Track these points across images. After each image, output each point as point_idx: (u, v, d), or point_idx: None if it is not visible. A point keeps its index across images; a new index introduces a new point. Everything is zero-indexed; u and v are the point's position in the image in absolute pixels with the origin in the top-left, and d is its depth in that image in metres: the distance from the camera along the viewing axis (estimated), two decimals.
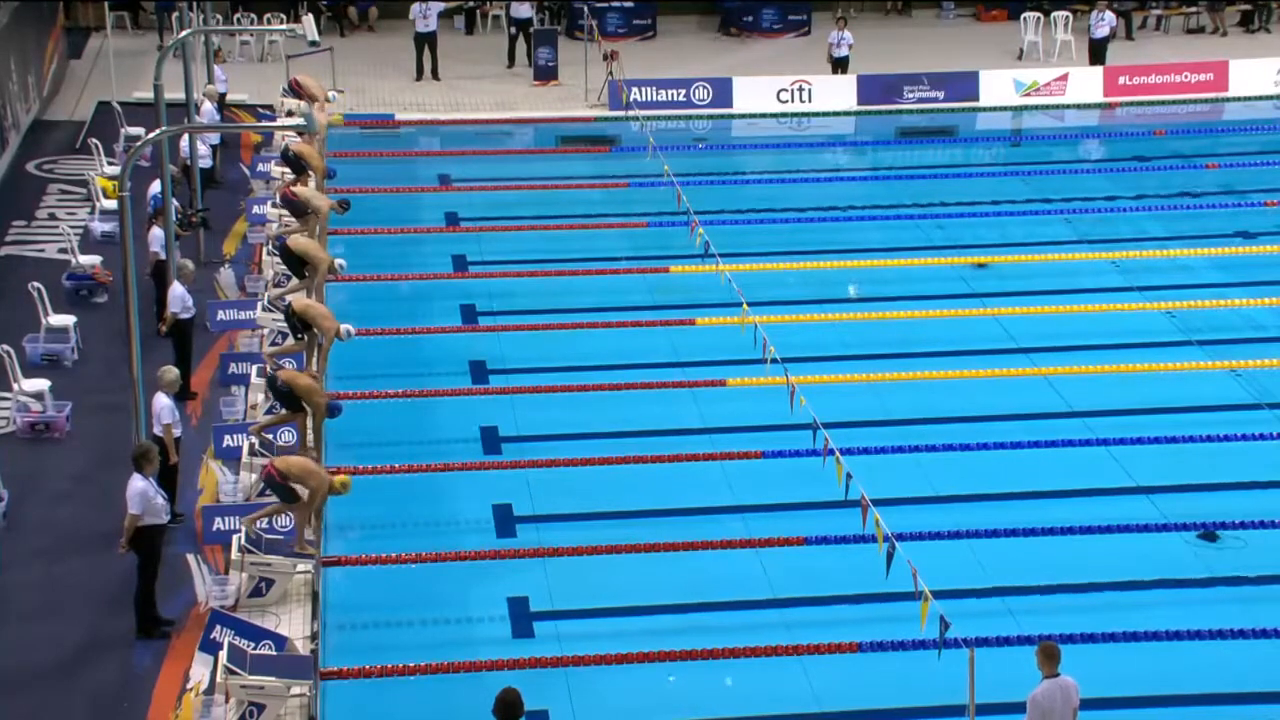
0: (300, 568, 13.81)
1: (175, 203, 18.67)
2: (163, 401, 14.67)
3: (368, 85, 30.28)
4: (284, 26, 29.61)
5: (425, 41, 30.92)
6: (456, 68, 31.41)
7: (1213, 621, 13.35)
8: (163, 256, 17.98)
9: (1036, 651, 10.81)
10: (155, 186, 19.85)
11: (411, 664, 12.85)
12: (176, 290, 17.09)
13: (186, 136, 21.30)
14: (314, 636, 13.09)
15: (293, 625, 13.29)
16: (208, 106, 23.48)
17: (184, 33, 23.28)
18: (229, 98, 26.95)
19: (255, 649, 12.34)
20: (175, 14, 31.15)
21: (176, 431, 14.76)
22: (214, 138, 23.21)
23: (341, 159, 25.97)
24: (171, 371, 15.14)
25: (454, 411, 17.60)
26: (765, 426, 16.66)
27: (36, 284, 18.56)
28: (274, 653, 12.43)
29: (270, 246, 20.46)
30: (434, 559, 14.54)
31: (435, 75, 31.00)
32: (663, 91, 29.58)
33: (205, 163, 22.40)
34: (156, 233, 18.53)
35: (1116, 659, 12.87)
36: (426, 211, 24.16)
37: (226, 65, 28.18)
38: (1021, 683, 10.99)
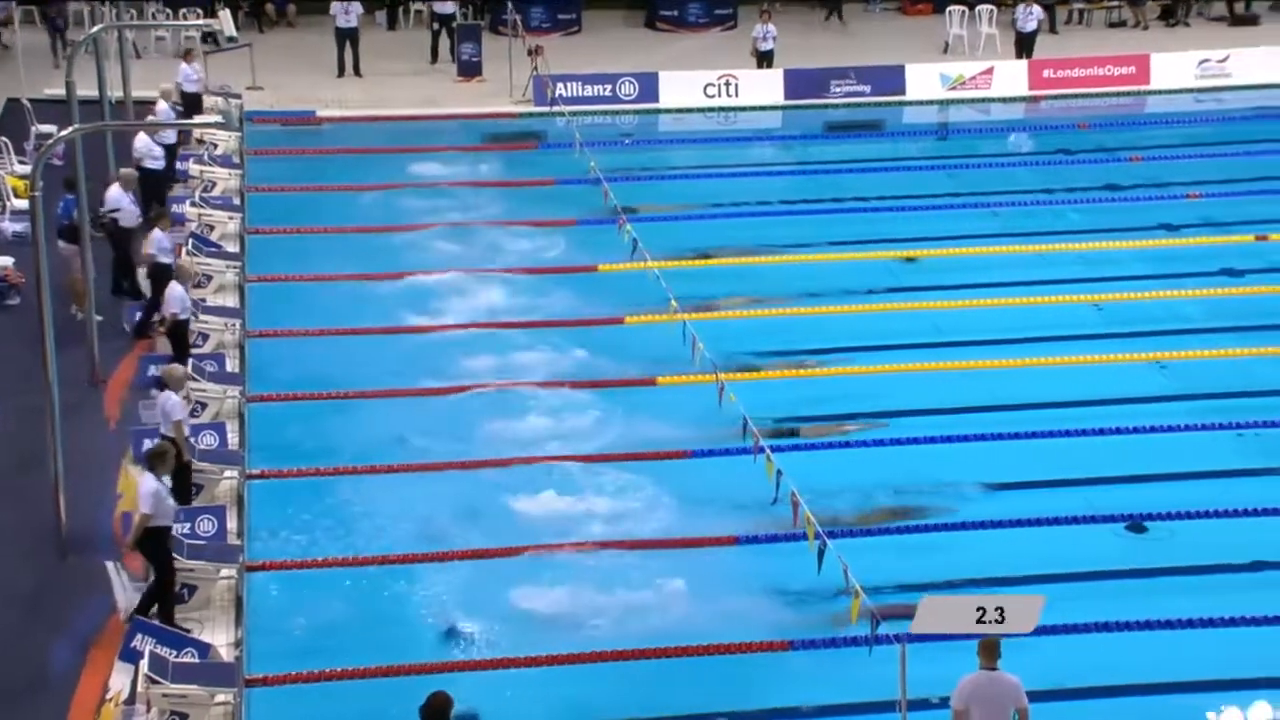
0: (224, 573, 13.67)
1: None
2: (172, 399, 14.66)
3: (288, 81, 30.00)
4: (200, 22, 29.26)
5: (346, 37, 30.70)
6: (379, 64, 31.21)
7: (1141, 613, 13.52)
8: (160, 259, 18.37)
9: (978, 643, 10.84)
10: (114, 190, 19.70)
11: (340, 669, 12.76)
12: (176, 290, 17.22)
13: (139, 136, 21.18)
14: (238, 643, 12.96)
15: (216, 632, 13.15)
16: (162, 106, 23.27)
17: (95, 28, 22.93)
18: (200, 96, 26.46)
19: (177, 657, 12.20)
20: (89, 8, 30.62)
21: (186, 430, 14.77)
22: (168, 137, 22.96)
23: (262, 156, 25.76)
24: (178, 369, 15.30)
25: (380, 412, 17.46)
26: (695, 424, 16.68)
27: None
28: (197, 660, 12.30)
29: (190, 246, 20.25)
30: (362, 562, 14.44)
31: (357, 71, 30.79)
32: (588, 87, 29.56)
33: (158, 163, 22.15)
34: (156, 234, 18.80)
35: (1046, 651, 12.99)
36: (349, 210, 23.95)
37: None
38: (956, 679, 11.05)
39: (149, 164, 21.90)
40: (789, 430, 16.97)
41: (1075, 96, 30.53)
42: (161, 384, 15.18)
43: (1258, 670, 12.82)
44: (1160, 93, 30.83)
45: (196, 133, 24.36)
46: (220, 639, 12.99)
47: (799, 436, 16.84)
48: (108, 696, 12.31)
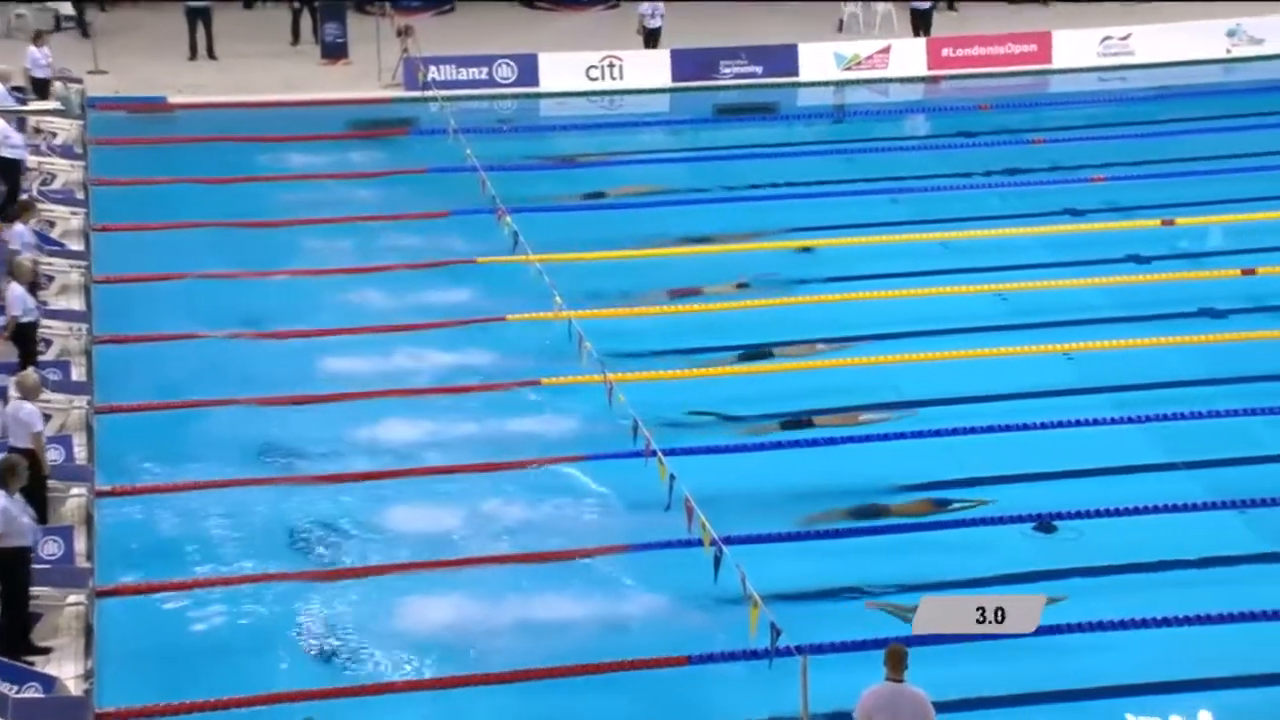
0: (71, 598, 13.40)
1: None
2: (26, 408, 14.31)
3: (135, 64, 29.53)
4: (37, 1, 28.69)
5: (198, 16, 30.32)
6: (234, 45, 30.84)
7: (1051, 616, 13.68)
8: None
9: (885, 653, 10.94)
10: None
11: (202, 700, 12.56)
12: (16, 291, 16.78)
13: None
14: (88, 675, 12.72)
15: (64, 663, 12.87)
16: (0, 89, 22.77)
17: None
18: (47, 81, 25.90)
19: (18, 692, 11.92)
20: None
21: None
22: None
23: (107, 146, 25.30)
24: (32, 376, 14.81)
25: (241, 422, 17.22)
26: (584, 426, 16.68)
27: None
28: (41, 695, 12.03)
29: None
30: (224, 583, 14.24)
31: (211, 54, 30.41)
32: (463, 70, 29.48)
33: (18, 151, 21.68)
34: (19, 229, 18.49)
35: (953, 661, 13.16)
36: (204, 204, 23.61)
37: None
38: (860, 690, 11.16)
39: (6, 152, 21.42)
40: (805, 421, 17.01)
41: (976, 76, 31.04)
42: (9, 393, 14.82)
43: (1173, 673, 13.09)
44: (1063, 72, 31.47)
45: (33, 121, 23.88)
46: (68, 671, 12.72)
47: (696, 435, 16.91)
48: None
